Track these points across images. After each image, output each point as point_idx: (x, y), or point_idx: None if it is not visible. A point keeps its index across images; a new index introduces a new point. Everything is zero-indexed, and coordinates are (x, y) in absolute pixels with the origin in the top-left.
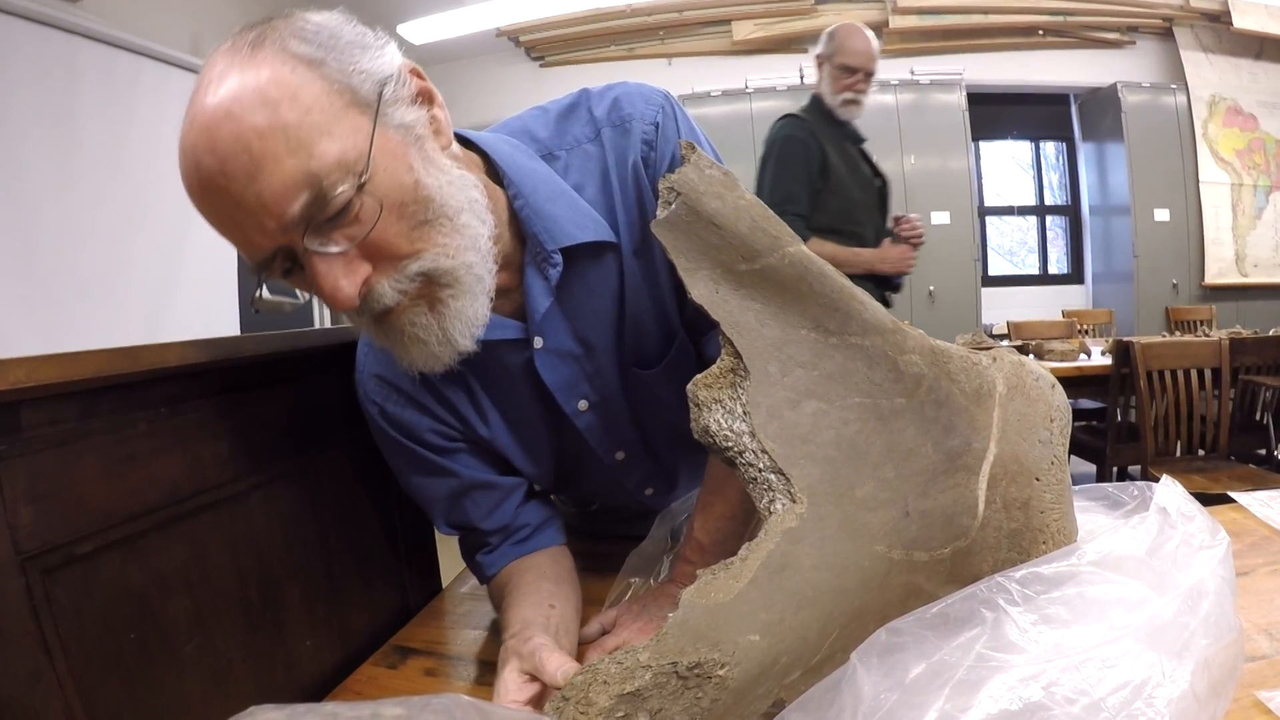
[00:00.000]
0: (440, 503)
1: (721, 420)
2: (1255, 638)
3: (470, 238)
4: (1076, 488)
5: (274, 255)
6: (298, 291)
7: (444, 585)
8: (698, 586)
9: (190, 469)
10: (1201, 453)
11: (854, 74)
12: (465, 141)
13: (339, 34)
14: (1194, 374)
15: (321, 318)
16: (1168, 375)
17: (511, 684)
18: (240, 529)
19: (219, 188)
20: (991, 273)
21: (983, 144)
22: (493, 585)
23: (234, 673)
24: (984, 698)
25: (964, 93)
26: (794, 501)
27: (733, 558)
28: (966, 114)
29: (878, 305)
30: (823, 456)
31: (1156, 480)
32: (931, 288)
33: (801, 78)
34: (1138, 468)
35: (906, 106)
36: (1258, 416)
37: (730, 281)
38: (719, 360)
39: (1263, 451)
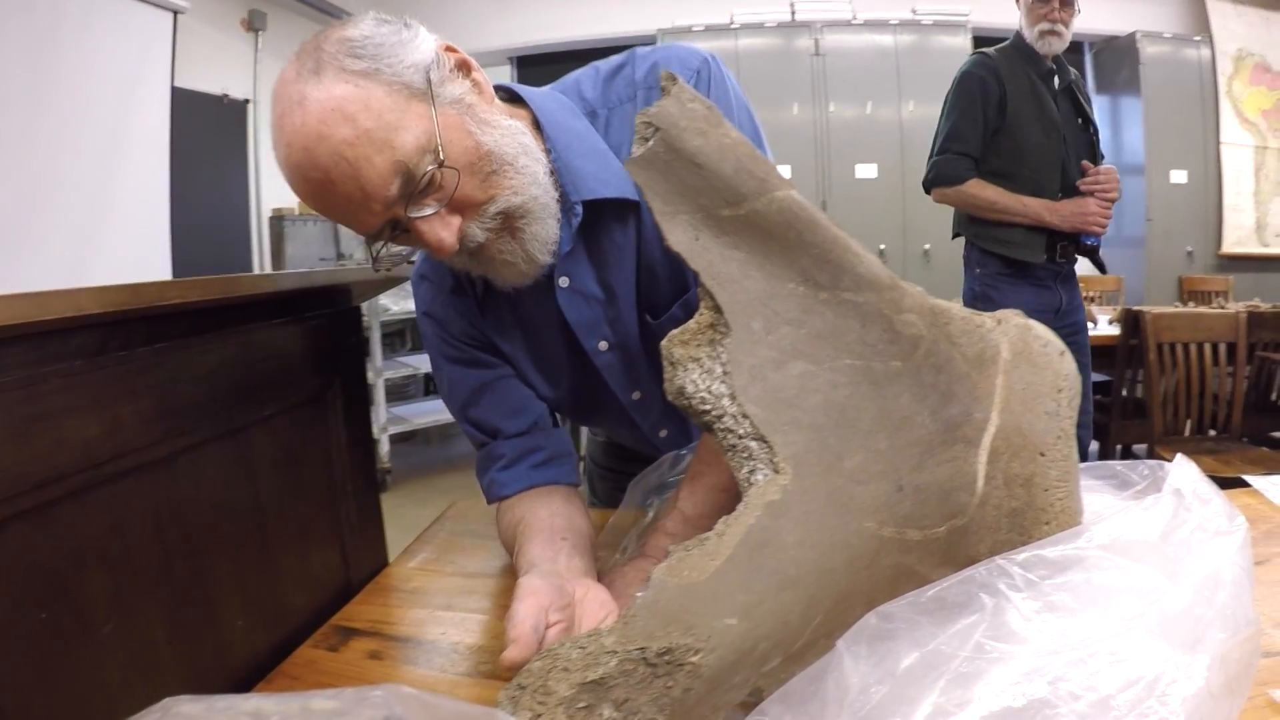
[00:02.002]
0: (466, 393)
1: (698, 380)
2: (1270, 632)
3: (530, 175)
4: (1082, 465)
5: (383, 228)
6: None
7: (391, 559)
8: (669, 564)
9: (108, 430)
10: (1212, 433)
11: (1048, 2)
12: (515, 98)
13: (380, 41)
14: (1207, 348)
15: (261, 265)
16: (1179, 348)
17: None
18: (164, 497)
19: (329, 192)
20: None
21: None
22: (504, 511)
23: (158, 656)
24: (983, 692)
25: (970, 35)
26: (777, 472)
27: (708, 533)
28: None
29: (874, 259)
30: (809, 423)
31: (1162, 459)
32: (927, 246)
33: (792, 13)
34: (1143, 446)
35: (907, 49)
36: (1274, 396)
37: (712, 227)
38: (697, 314)
39: (1278, 434)
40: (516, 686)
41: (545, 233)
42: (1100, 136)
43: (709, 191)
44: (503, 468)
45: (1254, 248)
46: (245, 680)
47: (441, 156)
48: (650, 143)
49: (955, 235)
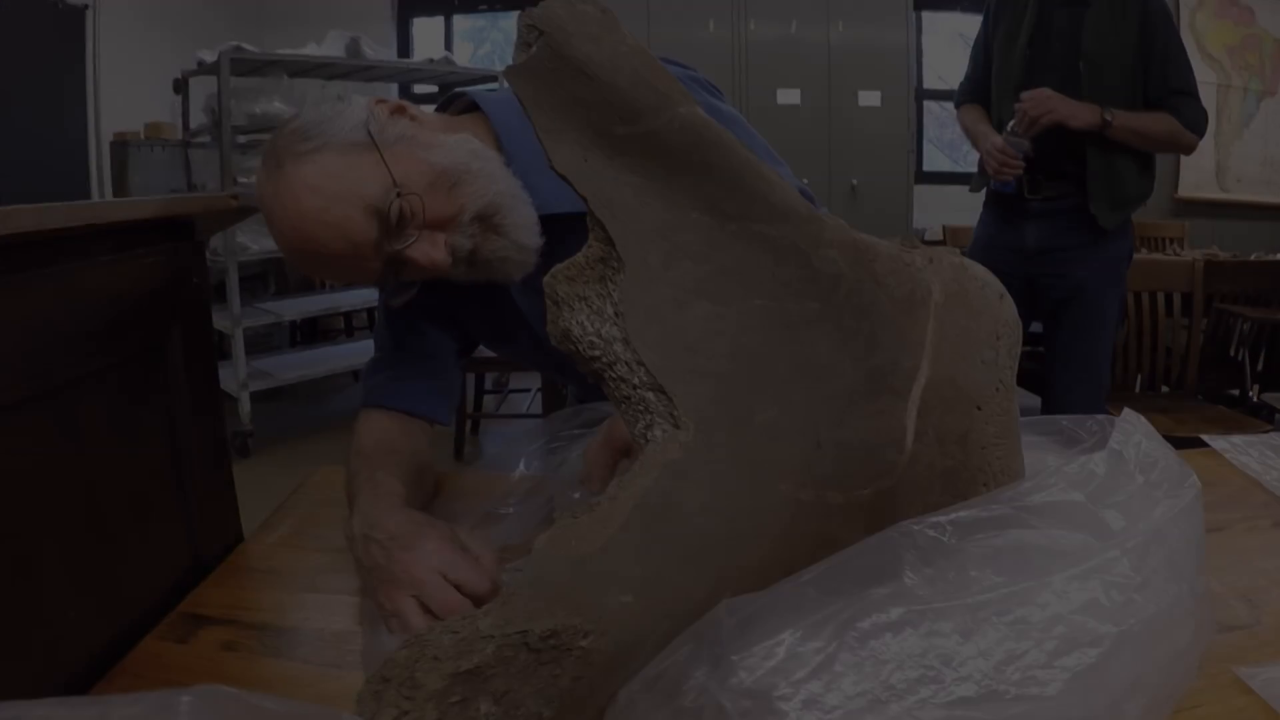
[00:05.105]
0: (400, 304)
1: (586, 323)
2: (1232, 604)
3: (488, 174)
4: (1024, 420)
5: (386, 271)
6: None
7: (247, 534)
8: (553, 534)
9: None
10: (1166, 389)
11: None
12: (475, 106)
13: (319, 119)
14: (1160, 298)
15: (102, 196)
16: (1130, 298)
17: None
18: None
19: (325, 256)
20: (926, 168)
21: (925, 15)
22: (376, 418)
23: None
24: (870, 659)
25: None
26: (677, 427)
27: (599, 497)
28: None
29: (788, 187)
30: (715, 371)
31: (1112, 416)
32: (855, 182)
33: None
34: None
35: None
36: (1232, 351)
37: (604, 148)
38: (586, 247)
39: (1235, 391)
40: (380, 679)
41: (523, 218)
42: (1088, 66)
43: (601, 106)
44: (393, 379)
45: (1213, 193)
46: (81, 680)
47: (398, 188)
48: (533, 49)
49: None
